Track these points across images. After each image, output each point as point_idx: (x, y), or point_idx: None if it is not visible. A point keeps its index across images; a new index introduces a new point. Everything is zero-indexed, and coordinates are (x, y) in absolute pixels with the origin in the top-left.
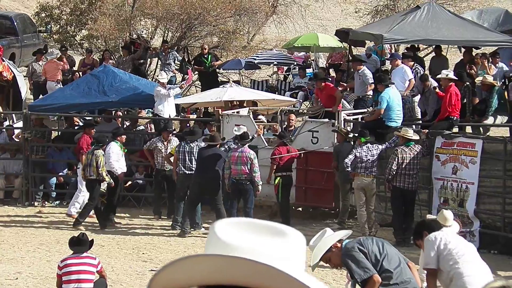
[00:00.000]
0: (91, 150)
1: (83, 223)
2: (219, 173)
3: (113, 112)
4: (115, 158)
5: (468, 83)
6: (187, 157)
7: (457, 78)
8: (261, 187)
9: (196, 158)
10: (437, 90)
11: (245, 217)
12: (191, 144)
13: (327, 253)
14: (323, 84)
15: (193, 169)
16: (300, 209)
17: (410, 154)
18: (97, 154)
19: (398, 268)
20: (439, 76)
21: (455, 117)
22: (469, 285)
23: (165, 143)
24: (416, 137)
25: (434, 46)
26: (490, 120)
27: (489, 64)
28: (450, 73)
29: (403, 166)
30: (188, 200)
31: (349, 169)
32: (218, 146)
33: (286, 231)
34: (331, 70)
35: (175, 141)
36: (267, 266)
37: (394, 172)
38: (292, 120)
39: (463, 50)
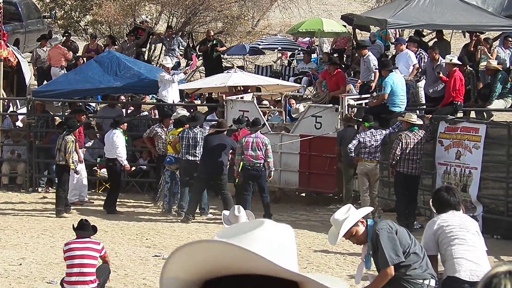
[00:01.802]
0: (62, 135)
1: (71, 209)
2: (224, 160)
3: (117, 97)
4: (122, 146)
5: (471, 68)
6: (191, 143)
7: (460, 63)
8: (273, 173)
9: (200, 144)
10: (441, 75)
11: (263, 204)
12: (194, 129)
13: (353, 227)
14: (335, 71)
15: (197, 155)
16: (304, 194)
17: (414, 139)
18: (66, 139)
19: (422, 252)
20: (442, 61)
21: (459, 102)
22: (458, 266)
23: (165, 129)
24: (420, 122)
25: (436, 31)
26: (494, 105)
27: (493, 48)
28: (454, 58)
29: (407, 151)
30: (194, 187)
31: (353, 154)
32: (225, 132)
33: (265, 221)
34: (335, 55)
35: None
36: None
37: (398, 157)
38: (292, 104)
39: (467, 35)
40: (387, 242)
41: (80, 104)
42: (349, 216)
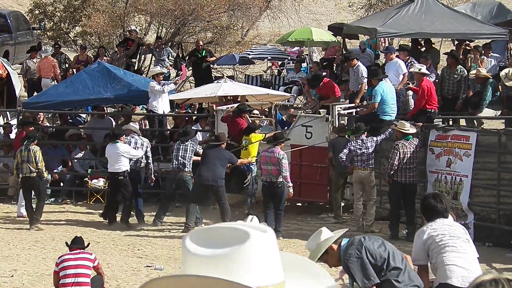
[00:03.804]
0: (24, 147)
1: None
2: (221, 172)
3: (107, 108)
4: (133, 151)
5: (462, 67)
6: (179, 154)
7: (428, 73)
8: (291, 188)
9: (189, 156)
10: (410, 85)
11: (275, 218)
12: (186, 143)
13: (323, 255)
14: (321, 84)
15: (186, 167)
16: (300, 204)
17: (410, 148)
18: (34, 149)
19: (403, 263)
20: (411, 70)
21: (433, 110)
22: (450, 272)
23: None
24: (413, 130)
25: (423, 41)
26: (484, 113)
27: (482, 57)
28: (423, 67)
29: (404, 161)
30: (191, 198)
31: (346, 162)
32: (223, 146)
33: (250, 235)
34: (324, 63)
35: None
36: (212, 279)
37: (396, 167)
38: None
39: (456, 42)
40: (357, 269)
41: (79, 115)
42: (316, 247)
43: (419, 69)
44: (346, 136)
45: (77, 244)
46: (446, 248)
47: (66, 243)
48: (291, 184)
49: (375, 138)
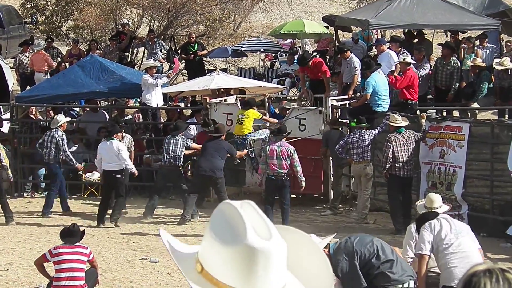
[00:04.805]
0: None
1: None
2: (221, 163)
3: (100, 102)
4: (127, 154)
5: (455, 58)
6: (170, 148)
7: (412, 62)
8: (304, 182)
9: (180, 150)
10: (395, 74)
11: (281, 213)
12: (176, 137)
13: None
14: (310, 63)
15: (172, 160)
16: (294, 196)
17: (403, 141)
18: None
19: (394, 255)
20: (396, 60)
21: (414, 101)
22: (452, 275)
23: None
24: (405, 123)
25: (416, 33)
26: (476, 105)
27: (475, 48)
28: (407, 57)
29: (399, 154)
30: (190, 190)
31: (343, 154)
32: (223, 137)
33: (247, 238)
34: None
35: (127, 139)
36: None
37: (391, 160)
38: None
39: (449, 34)
40: (346, 273)
41: (73, 109)
42: None
43: (404, 59)
44: (347, 126)
45: (72, 236)
46: (449, 248)
47: (63, 229)
48: (303, 178)
49: (373, 131)
